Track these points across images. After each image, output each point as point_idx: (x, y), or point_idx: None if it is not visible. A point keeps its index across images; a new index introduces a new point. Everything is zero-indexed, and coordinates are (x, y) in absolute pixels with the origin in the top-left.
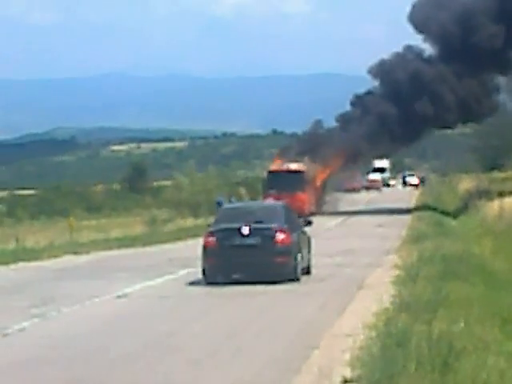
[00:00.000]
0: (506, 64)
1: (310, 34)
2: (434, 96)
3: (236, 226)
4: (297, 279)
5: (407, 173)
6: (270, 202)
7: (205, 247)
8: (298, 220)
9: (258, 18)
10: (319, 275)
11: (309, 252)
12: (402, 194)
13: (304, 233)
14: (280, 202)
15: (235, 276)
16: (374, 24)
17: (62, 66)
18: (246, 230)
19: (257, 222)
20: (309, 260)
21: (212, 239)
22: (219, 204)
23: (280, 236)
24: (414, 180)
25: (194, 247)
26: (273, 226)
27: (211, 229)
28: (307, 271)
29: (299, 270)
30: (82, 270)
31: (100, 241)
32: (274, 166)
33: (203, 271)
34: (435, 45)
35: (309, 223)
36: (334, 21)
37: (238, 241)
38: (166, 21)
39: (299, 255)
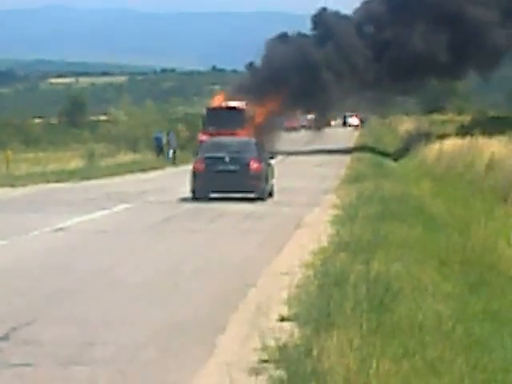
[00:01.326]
0: None
1: None
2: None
3: (220, 155)
4: (263, 199)
5: (347, 113)
6: (243, 137)
7: (194, 171)
8: (266, 153)
9: None
10: (256, 214)
11: (272, 179)
12: (341, 135)
13: (269, 164)
14: (252, 139)
15: (216, 195)
16: None
17: None
18: (227, 159)
19: (235, 153)
20: (272, 186)
21: (201, 165)
22: (158, 139)
23: (254, 164)
24: (355, 121)
25: (132, 182)
26: (248, 156)
27: (199, 157)
28: (270, 194)
29: (266, 192)
30: (18, 203)
31: (37, 174)
32: (213, 103)
33: (193, 190)
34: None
35: (272, 157)
36: None
37: (221, 167)
38: None
39: (267, 180)
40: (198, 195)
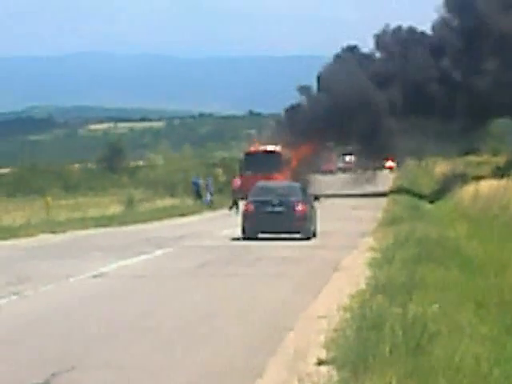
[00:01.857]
0: None
1: (287, 15)
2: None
3: (268, 198)
4: (308, 238)
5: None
6: (287, 181)
7: (245, 213)
8: (310, 196)
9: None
10: (293, 257)
11: (315, 220)
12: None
13: (313, 206)
14: (297, 183)
15: (263, 235)
16: (354, 7)
17: (40, 44)
18: (274, 201)
19: (282, 196)
20: (314, 226)
21: (251, 207)
22: (195, 184)
23: (299, 207)
24: (390, 163)
25: (170, 227)
26: (293, 199)
27: (249, 199)
28: (314, 234)
29: (311, 232)
30: (59, 249)
31: (76, 220)
32: (250, 147)
33: (243, 229)
34: None
35: (317, 199)
36: (313, 2)
37: (269, 209)
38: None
39: (311, 221)
40: (247, 235)
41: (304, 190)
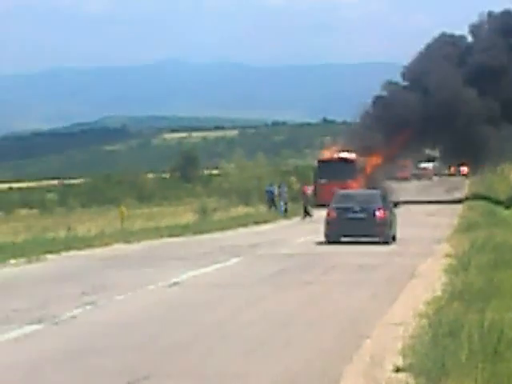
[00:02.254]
0: None
1: (360, 23)
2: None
3: (349, 205)
4: (387, 243)
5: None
6: (368, 189)
7: (327, 219)
8: (390, 203)
9: (309, 7)
10: (369, 264)
11: (395, 225)
12: (452, 183)
13: (393, 212)
14: (377, 190)
15: (345, 239)
16: (426, 14)
17: (114, 55)
18: (356, 208)
19: (363, 203)
20: (393, 231)
21: (333, 213)
22: (269, 192)
23: (379, 213)
24: (465, 169)
25: (245, 236)
26: (374, 205)
27: (331, 206)
28: (393, 239)
29: (390, 237)
30: (133, 259)
31: (151, 229)
32: (324, 155)
33: (326, 235)
34: None
35: (396, 205)
36: (384, 10)
37: (350, 215)
38: (218, 9)
39: (391, 227)
40: (331, 239)
41: (384, 197)
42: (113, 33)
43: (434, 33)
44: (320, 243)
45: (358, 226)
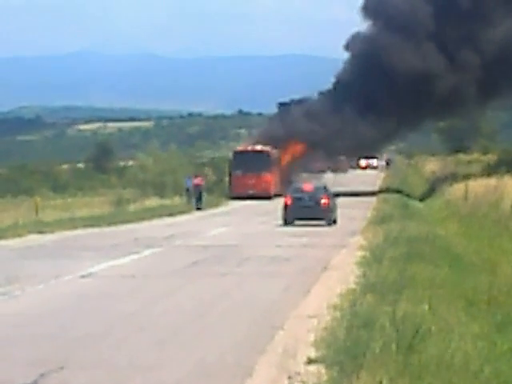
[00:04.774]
0: None
1: (277, 15)
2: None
3: (301, 195)
4: (330, 224)
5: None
6: (316, 183)
7: (285, 205)
8: (332, 194)
9: None
10: (283, 257)
11: (336, 211)
12: (367, 177)
13: (334, 200)
14: (322, 184)
15: (299, 222)
16: (342, 6)
17: (29, 45)
18: (306, 197)
19: (311, 194)
20: (335, 215)
21: (289, 201)
22: (187, 184)
23: (324, 201)
24: (363, 162)
25: (160, 227)
26: (320, 195)
27: (289, 195)
28: (334, 221)
29: (332, 220)
30: (47, 249)
31: (65, 220)
32: (239, 147)
33: (284, 219)
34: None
35: (336, 195)
36: (302, 2)
37: (302, 203)
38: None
39: (333, 212)
40: (288, 222)
41: (326, 189)
42: (28, 22)
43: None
44: (234, 235)
45: (308, 211)
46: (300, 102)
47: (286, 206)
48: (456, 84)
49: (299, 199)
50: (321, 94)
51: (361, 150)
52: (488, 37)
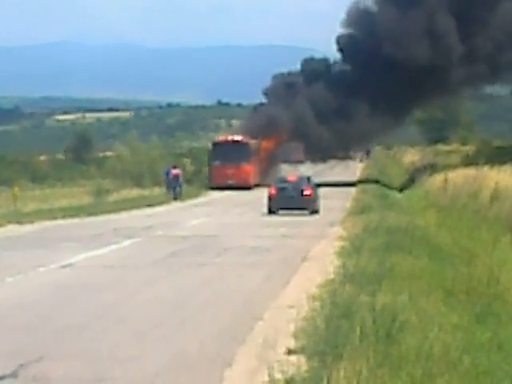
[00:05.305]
0: None
1: (256, 5)
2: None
3: (285, 186)
4: (313, 213)
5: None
6: (299, 174)
7: (270, 195)
8: (314, 185)
9: None
10: (262, 247)
11: (318, 201)
12: (346, 167)
13: (316, 191)
14: (306, 175)
15: (282, 212)
16: None
17: (8, 35)
18: (290, 187)
19: (294, 184)
20: (318, 205)
21: (274, 192)
22: (166, 174)
23: (307, 191)
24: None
25: (139, 217)
26: (303, 186)
27: (273, 186)
28: (317, 211)
29: (315, 209)
30: (26, 240)
31: (44, 211)
32: (219, 137)
33: (268, 208)
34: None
35: (318, 186)
36: None
37: (286, 193)
38: None
39: (315, 201)
40: (272, 210)
41: (309, 180)
42: (7, 11)
43: (330, 17)
44: (213, 225)
45: (292, 201)
46: (288, 85)
47: (270, 196)
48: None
49: (283, 189)
50: (307, 79)
51: (346, 144)
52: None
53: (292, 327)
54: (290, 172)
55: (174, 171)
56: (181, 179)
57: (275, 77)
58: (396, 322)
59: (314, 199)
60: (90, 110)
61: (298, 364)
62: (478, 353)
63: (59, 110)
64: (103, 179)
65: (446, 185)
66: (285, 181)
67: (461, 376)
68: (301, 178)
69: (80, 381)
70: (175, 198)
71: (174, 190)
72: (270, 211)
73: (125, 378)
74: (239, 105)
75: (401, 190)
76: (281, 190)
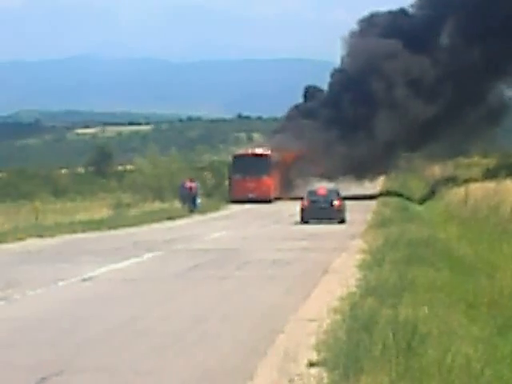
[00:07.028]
0: None
1: (277, 18)
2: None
3: (317, 198)
4: (341, 222)
5: None
6: (329, 187)
7: (302, 207)
8: (342, 197)
9: (224, 2)
10: (283, 260)
11: (345, 212)
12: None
13: (344, 202)
14: (336, 188)
15: (314, 221)
16: (344, 9)
17: (29, 50)
18: (321, 200)
19: (325, 196)
20: (345, 216)
21: (306, 204)
22: (185, 188)
23: (336, 203)
24: None
25: (159, 231)
26: (333, 198)
27: (305, 198)
28: (344, 220)
29: (343, 219)
30: (47, 253)
31: (65, 224)
32: (239, 151)
33: (302, 217)
34: None
35: (345, 198)
36: (301, 5)
37: (318, 205)
38: (133, 3)
39: (343, 212)
40: (304, 220)
41: (338, 193)
42: (27, 27)
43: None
44: (234, 239)
45: (323, 212)
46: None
47: (303, 208)
48: None
49: (315, 202)
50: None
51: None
52: None
53: (313, 340)
54: (320, 186)
55: (189, 184)
56: (197, 192)
57: (308, 90)
58: (417, 334)
59: (342, 210)
60: (110, 124)
61: (320, 377)
62: (499, 365)
63: (80, 123)
64: (123, 193)
65: (467, 198)
66: (316, 194)
67: None
68: (330, 191)
69: None
70: (191, 211)
71: (191, 202)
72: (303, 221)
73: None
74: (259, 118)
75: (421, 202)
76: (312, 202)
